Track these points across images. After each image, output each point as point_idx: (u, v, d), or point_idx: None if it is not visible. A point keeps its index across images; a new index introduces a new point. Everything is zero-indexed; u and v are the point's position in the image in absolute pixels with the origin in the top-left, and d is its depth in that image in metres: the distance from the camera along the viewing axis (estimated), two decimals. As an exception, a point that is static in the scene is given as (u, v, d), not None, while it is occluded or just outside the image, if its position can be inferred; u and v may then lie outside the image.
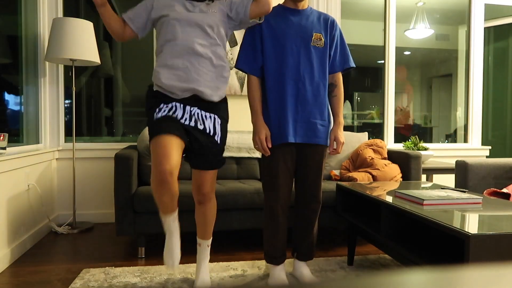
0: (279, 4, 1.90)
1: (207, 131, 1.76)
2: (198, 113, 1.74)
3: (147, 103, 1.78)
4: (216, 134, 1.78)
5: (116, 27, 1.80)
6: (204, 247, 1.94)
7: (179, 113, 1.71)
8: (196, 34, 1.70)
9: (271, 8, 1.76)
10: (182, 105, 1.72)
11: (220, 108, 1.81)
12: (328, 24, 1.90)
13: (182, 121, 1.71)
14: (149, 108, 1.75)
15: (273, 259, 1.93)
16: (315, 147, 1.90)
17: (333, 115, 1.96)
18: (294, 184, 1.99)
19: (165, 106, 1.71)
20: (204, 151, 1.77)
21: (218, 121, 1.79)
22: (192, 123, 1.73)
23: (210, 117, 1.77)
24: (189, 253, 2.42)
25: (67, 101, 3.22)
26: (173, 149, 1.58)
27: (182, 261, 2.28)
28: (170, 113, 1.70)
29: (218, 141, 1.79)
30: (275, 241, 1.91)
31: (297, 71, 1.83)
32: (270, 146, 1.83)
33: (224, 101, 1.84)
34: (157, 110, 1.71)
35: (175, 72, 1.69)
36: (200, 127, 1.74)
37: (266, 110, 1.87)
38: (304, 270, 2.00)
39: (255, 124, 1.86)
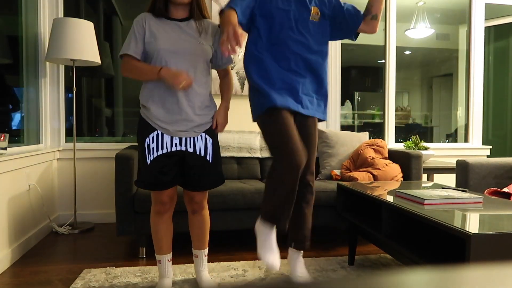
0: None
1: (198, 152, 1.76)
2: (187, 137, 1.76)
3: (139, 122, 1.79)
4: (207, 154, 1.78)
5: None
6: (202, 257, 1.94)
7: (167, 141, 1.71)
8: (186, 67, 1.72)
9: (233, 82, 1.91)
10: (169, 137, 1.74)
11: (210, 127, 1.81)
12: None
13: (173, 148, 1.72)
14: (139, 131, 1.75)
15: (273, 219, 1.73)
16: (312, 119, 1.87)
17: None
18: None
19: (152, 138, 1.71)
20: (195, 173, 1.77)
21: (209, 140, 1.79)
22: (183, 147, 1.74)
23: (201, 137, 1.77)
24: (189, 253, 2.42)
25: (67, 101, 3.22)
26: (168, 196, 1.79)
27: (182, 261, 2.28)
28: (159, 150, 1.71)
29: (210, 161, 1.78)
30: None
31: (295, 45, 1.76)
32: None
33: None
34: (146, 147, 1.71)
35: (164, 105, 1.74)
36: (190, 150, 1.75)
37: (266, 73, 1.77)
38: (298, 265, 1.94)
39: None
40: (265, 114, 1.72)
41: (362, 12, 1.86)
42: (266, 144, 1.74)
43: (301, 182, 1.87)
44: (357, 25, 1.85)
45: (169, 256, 1.88)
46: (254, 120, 1.82)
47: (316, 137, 1.90)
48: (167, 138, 1.72)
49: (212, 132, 1.81)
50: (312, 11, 1.81)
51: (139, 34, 1.72)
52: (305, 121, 1.85)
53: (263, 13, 1.77)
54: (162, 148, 1.71)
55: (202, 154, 1.76)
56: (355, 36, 1.92)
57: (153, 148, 1.71)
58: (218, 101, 3.16)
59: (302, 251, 1.95)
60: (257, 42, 1.78)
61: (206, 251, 1.96)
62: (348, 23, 1.85)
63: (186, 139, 1.74)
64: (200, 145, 1.76)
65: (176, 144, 1.73)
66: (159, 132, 1.72)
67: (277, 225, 1.73)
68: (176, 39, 1.71)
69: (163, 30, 1.72)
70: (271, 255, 1.67)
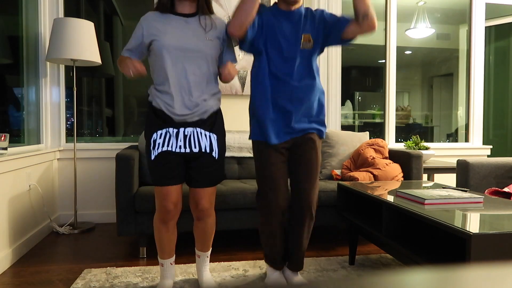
0: (274, 4, 1.86)
1: (203, 150, 1.76)
2: (192, 134, 1.74)
3: (147, 118, 1.78)
4: (213, 150, 1.77)
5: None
6: (204, 258, 1.95)
7: (173, 142, 1.72)
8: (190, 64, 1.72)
9: (234, 76, 1.85)
10: (175, 131, 1.72)
11: (214, 124, 1.79)
12: (314, 19, 1.82)
13: (177, 150, 1.72)
14: (147, 126, 1.76)
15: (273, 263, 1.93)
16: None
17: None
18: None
19: (160, 135, 1.72)
20: (200, 171, 1.77)
21: (214, 137, 1.78)
22: (187, 149, 1.73)
23: (206, 135, 1.76)
24: (190, 253, 2.42)
25: (68, 101, 3.22)
26: (173, 193, 1.75)
27: (183, 261, 2.28)
28: (165, 146, 1.71)
29: (216, 157, 1.78)
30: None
31: (286, 74, 1.77)
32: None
33: (218, 116, 1.83)
34: (152, 142, 1.72)
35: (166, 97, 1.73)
36: (195, 150, 1.74)
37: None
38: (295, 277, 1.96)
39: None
40: (254, 142, 1.89)
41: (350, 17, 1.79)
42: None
43: (300, 209, 1.86)
44: (342, 28, 1.77)
45: (172, 259, 1.87)
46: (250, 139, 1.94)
47: (316, 162, 1.87)
48: (173, 139, 1.72)
49: (218, 130, 1.80)
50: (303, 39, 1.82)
51: (135, 34, 1.75)
52: (304, 144, 1.85)
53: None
54: (168, 146, 1.71)
55: (208, 151, 1.76)
56: (343, 41, 1.83)
57: (158, 144, 1.71)
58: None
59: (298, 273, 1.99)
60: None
61: (208, 253, 1.96)
62: (333, 28, 1.80)
63: (190, 140, 1.73)
64: (205, 143, 1.76)
65: (180, 146, 1.72)
66: (168, 130, 1.72)
67: (274, 267, 1.91)
68: (181, 35, 1.69)
69: (168, 26, 1.70)
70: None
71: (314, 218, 1.89)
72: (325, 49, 3.44)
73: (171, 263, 1.86)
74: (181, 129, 1.72)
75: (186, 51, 1.68)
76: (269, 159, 1.81)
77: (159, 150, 1.71)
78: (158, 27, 1.70)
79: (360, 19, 1.73)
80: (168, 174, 1.72)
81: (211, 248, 1.97)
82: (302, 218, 1.85)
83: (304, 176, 1.84)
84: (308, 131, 1.85)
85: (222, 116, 1.85)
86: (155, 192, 1.81)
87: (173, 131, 1.72)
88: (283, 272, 1.99)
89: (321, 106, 1.89)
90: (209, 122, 1.77)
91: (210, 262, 2.27)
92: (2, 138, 2.17)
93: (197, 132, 1.74)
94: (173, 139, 1.72)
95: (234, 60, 1.87)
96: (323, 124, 1.90)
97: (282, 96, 1.79)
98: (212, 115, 1.78)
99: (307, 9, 1.85)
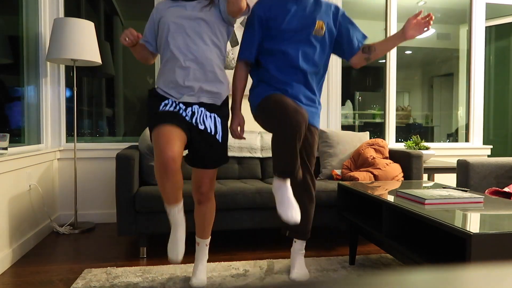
0: None
1: (208, 130, 1.78)
2: (198, 112, 1.77)
3: (148, 101, 1.81)
4: (217, 133, 1.80)
5: (145, 54, 1.90)
6: (203, 246, 1.96)
7: (182, 110, 1.75)
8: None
9: (245, 6, 1.74)
10: (183, 105, 1.76)
11: (220, 108, 1.83)
12: (331, 10, 1.95)
13: (184, 115, 1.74)
14: (151, 107, 1.78)
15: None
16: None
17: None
18: None
19: (167, 104, 1.75)
20: (204, 150, 1.79)
21: (218, 120, 1.81)
22: (194, 121, 1.76)
23: (211, 116, 1.80)
24: (190, 253, 2.42)
25: (68, 101, 3.22)
26: (175, 138, 1.61)
27: (183, 261, 2.28)
28: (172, 108, 1.73)
29: (220, 140, 1.82)
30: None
31: (297, 61, 1.86)
32: (243, 135, 1.96)
33: (224, 102, 1.87)
34: (160, 106, 1.74)
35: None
36: (201, 127, 1.76)
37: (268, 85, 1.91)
38: (298, 262, 2.02)
39: (234, 111, 1.94)
40: (263, 99, 1.86)
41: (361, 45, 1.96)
42: (267, 126, 1.83)
43: (300, 180, 1.95)
44: (354, 52, 1.97)
45: (179, 206, 1.68)
46: (253, 112, 1.95)
47: (315, 147, 2.00)
48: (182, 108, 1.75)
49: (223, 113, 1.84)
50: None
51: (150, 25, 1.85)
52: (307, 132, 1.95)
53: None
54: (175, 109, 1.73)
55: (212, 133, 1.78)
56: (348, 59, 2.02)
57: (167, 105, 1.74)
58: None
59: (303, 251, 2.04)
60: None
61: (207, 241, 1.97)
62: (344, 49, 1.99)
63: (196, 116, 1.75)
64: (210, 124, 1.78)
65: (188, 115, 1.75)
66: (174, 100, 1.75)
67: (291, 177, 1.76)
68: (180, 12, 1.75)
69: (178, 10, 1.76)
70: (290, 210, 1.72)
71: (314, 187, 2.02)
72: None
73: (178, 212, 1.68)
74: (188, 108, 1.76)
75: (182, 23, 1.73)
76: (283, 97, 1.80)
77: (166, 108, 1.72)
78: (169, 11, 1.77)
79: (364, 56, 1.94)
80: (173, 117, 1.67)
81: (209, 237, 1.98)
82: (306, 186, 1.98)
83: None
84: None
85: (228, 101, 1.90)
86: (154, 143, 1.62)
87: (181, 104, 1.75)
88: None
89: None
90: (215, 106, 1.81)
91: (210, 262, 2.27)
92: (3, 138, 2.17)
93: (202, 111, 1.77)
94: (182, 108, 1.75)
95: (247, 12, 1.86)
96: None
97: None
98: (217, 101, 1.83)
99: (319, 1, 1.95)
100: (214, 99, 1.80)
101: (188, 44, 1.72)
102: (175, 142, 1.59)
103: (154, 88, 1.82)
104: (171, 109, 1.72)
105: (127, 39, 1.69)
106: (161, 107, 1.73)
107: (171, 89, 1.74)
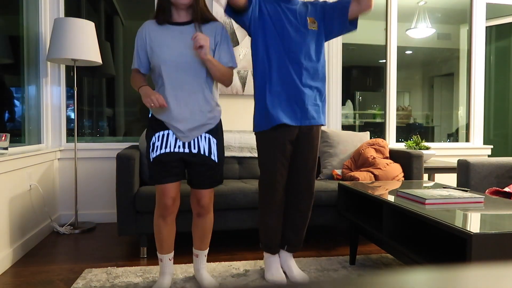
0: None
1: (202, 152, 1.79)
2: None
3: (148, 120, 1.85)
4: (211, 153, 1.81)
5: (139, 78, 1.87)
6: (202, 257, 1.97)
7: (171, 142, 1.76)
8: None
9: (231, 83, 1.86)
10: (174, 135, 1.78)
11: (216, 129, 1.85)
12: (315, 6, 1.98)
13: (176, 150, 1.76)
14: (148, 130, 1.82)
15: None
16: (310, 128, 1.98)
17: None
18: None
19: (158, 137, 1.77)
20: (200, 171, 1.81)
21: (213, 140, 1.82)
22: (186, 150, 1.77)
23: (205, 137, 1.80)
24: (190, 253, 2.42)
25: (68, 101, 3.22)
26: (171, 189, 1.78)
27: (183, 261, 2.28)
28: (163, 149, 1.75)
29: (216, 160, 1.82)
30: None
31: (298, 55, 1.87)
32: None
33: (218, 122, 1.88)
34: (151, 144, 1.77)
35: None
36: (194, 151, 1.78)
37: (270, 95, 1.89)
38: (293, 265, 2.06)
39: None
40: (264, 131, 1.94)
41: None
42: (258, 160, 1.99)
43: (298, 192, 2.01)
44: (347, 8, 1.90)
45: (171, 255, 1.89)
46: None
47: (317, 149, 2.02)
48: (171, 139, 1.76)
49: (217, 133, 1.84)
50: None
51: (141, 47, 1.80)
52: (310, 131, 1.97)
53: None
54: (165, 148, 1.75)
55: (207, 154, 1.80)
56: (351, 24, 1.94)
57: (157, 146, 1.76)
58: (221, 103, 3.16)
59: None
60: None
61: (206, 251, 1.98)
62: (337, 10, 1.94)
63: (189, 141, 1.79)
64: (204, 145, 1.79)
65: (179, 146, 1.77)
66: (166, 132, 1.77)
67: (270, 252, 2.00)
68: (176, 48, 1.72)
69: (165, 38, 1.73)
70: (276, 277, 1.95)
71: (312, 199, 2.08)
72: (326, 50, 3.44)
73: (170, 259, 1.88)
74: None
75: (182, 66, 1.72)
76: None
77: (157, 153, 1.76)
78: (154, 40, 1.74)
79: None
80: (166, 173, 1.76)
81: (208, 247, 2.00)
82: (300, 199, 2.05)
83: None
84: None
85: (221, 122, 1.90)
86: (156, 189, 1.85)
87: (172, 133, 1.77)
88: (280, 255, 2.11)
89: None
90: (210, 128, 1.82)
91: (210, 262, 2.27)
92: (3, 138, 2.17)
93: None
94: (171, 140, 1.76)
95: (230, 62, 1.83)
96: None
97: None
98: (212, 124, 1.83)
99: (304, 2, 2.00)
100: (209, 124, 1.82)
101: (182, 83, 1.73)
102: (172, 192, 1.79)
103: (152, 114, 1.84)
104: (163, 148, 1.74)
105: (152, 105, 1.66)
106: (154, 150, 1.75)
107: (168, 119, 1.76)
